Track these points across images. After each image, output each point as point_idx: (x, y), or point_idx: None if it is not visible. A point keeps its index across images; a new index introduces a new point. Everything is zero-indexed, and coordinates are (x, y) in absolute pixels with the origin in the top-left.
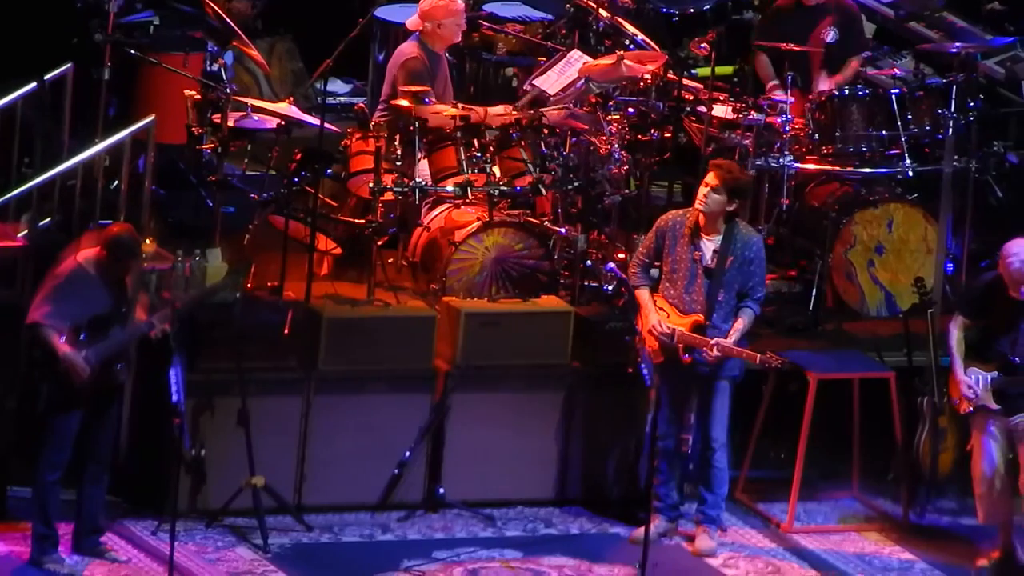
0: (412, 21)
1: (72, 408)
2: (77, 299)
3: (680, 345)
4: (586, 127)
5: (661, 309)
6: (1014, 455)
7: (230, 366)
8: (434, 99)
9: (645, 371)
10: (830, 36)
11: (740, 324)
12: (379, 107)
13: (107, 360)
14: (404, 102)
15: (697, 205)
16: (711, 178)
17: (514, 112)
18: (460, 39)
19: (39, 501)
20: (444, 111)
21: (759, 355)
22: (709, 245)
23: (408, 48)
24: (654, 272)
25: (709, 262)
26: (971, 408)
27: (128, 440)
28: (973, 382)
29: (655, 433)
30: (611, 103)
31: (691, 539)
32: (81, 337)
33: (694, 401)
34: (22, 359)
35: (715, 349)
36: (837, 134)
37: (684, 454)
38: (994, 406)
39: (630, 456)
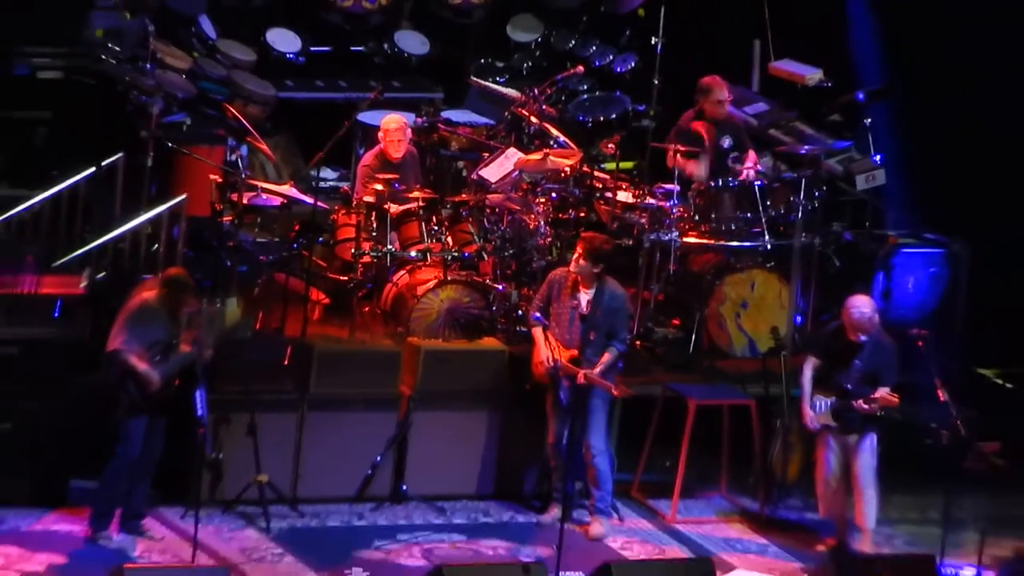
0: None
1: (144, 414)
2: (144, 327)
3: (561, 373)
4: (519, 208)
5: (549, 343)
6: (848, 464)
7: (242, 389)
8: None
9: (562, 394)
10: (727, 143)
11: (605, 358)
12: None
13: (167, 378)
14: (379, 186)
15: (571, 268)
16: (578, 248)
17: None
18: (398, 156)
19: (108, 487)
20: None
21: (613, 386)
22: (584, 297)
23: (365, 156)
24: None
25: (584, 310)
26: (817, 426)
27: (163, 445)
28: (817, 406)
29: (572, 440)
30: (539, 189)
31: (587, 527)
32: (157, 358)
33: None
34: (103, 379)
35: (583, 377)
36: (713, 216)
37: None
38: (833, 424)
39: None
